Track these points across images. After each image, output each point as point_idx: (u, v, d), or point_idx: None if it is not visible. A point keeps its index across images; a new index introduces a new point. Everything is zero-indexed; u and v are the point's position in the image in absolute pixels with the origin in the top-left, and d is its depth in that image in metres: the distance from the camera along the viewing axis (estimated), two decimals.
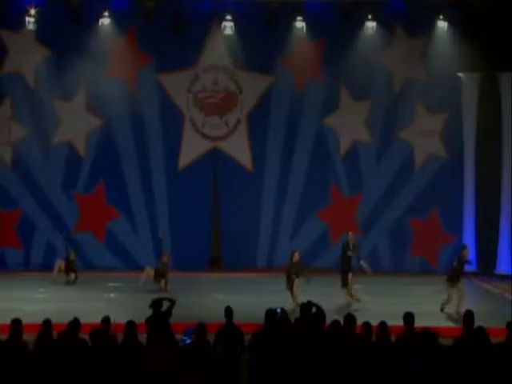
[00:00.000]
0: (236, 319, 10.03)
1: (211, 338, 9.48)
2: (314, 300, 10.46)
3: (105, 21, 19.82)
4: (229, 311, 10.06)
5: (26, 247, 20.49)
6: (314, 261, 19.95)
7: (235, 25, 19.80)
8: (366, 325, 9.15)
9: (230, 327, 9.88)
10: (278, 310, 10.04)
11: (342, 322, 9.36)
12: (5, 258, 20.51)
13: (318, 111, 20.54)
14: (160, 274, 17.00)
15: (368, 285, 18.32)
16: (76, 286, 18.12)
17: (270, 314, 9.72)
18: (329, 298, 15.87)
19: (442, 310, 15.23)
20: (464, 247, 16.15)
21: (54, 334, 9.34)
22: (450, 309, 15.15)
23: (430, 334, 8.95)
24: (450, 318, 13.84)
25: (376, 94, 20.39)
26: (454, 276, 15.49)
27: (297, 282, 15.63)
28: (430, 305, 15.51)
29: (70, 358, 8.65)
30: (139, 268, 19.86)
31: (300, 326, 9.83)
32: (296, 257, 15.92)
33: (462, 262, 15.58)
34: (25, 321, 9.38)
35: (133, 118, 20.41)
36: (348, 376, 8.52)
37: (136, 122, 20.42)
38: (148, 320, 10.46)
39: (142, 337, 9.68)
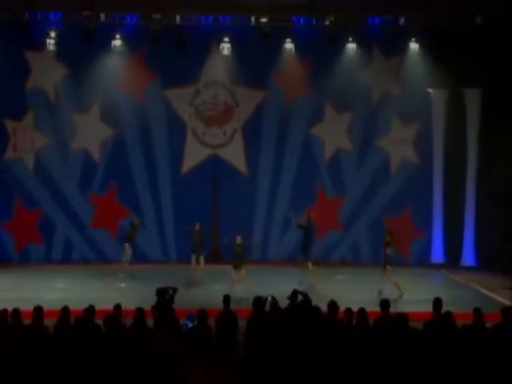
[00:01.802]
0: (231, 306, 10.05)
1: (211, 322, 9.50)
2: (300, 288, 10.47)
3: (117, 42, 19.79)
4: (227, 298, 10.07)
5: (47, 243, 20.43)
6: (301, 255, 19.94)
7: (232, 46, 19.78)
8: (348, 310, 9.17)
9: (227, 313, 9.89)
10: (269, 298, 10.00)
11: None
12: (28, 253, 20.44)
13: (305, 122, 20.54)
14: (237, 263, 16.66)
15: (349, 275, 18.40)
16: (92, 276, 18.06)
17: (259, 301, 9.71)
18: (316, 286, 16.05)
19: (400, 296, 15.20)
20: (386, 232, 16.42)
21: (72, 319, 9.35)
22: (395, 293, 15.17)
23: (402, 317, 8.99)
24: (420, 303, 13.85)
25: (356, 107, 20.39)
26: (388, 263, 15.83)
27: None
28: (403, 293, 15.51)
29: (85, 340, 8.66)
30: (147, 260, 19.93)
31: (289, 313, 9.83)
32: None
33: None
34: (46, 308, 9.41)
35: (141, 127, 20.38)
36: (330, 356, 8.53)
37: (144, 132, 20.39)
38: (154, 307, 10.46)
39: (150, 322, 9.70)
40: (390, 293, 14.89)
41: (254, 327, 9.17)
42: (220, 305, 10.10)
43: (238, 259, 16.08)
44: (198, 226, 17.28)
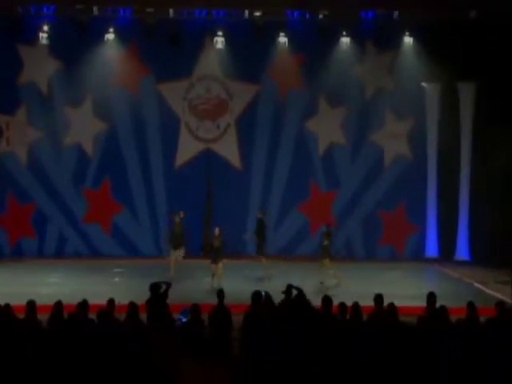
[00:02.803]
0: (225, 301, 10.04)
1: (205, 317, 9.49)
2: (295, 283, 10.48)
3: (110, 36, 19.72)
4: (221, 294, 10.06)
5: (40, 237, 20.39)
6: (295, 249, 20.03)
7: (226, 40, 19.73)
8: (341, 305, 9.18)
9: (221, 308, 9.88)
10: (263, 294, 9.99)
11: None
12: (21, 247, 20.41)
13: (299, 116, 20.52)
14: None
15: (343, 270, 18.37)
16: (85, 271, 18.03)
17: (257, 295, 9.71)
18: (309, 281, 16.04)
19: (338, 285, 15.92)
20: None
21: (65, 314, 9.33)
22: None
23: (392, 308, 9.04)
24: (415, 298, 13.87)
25: (350, 102, 20.38)
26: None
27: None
28: (397, 287, 15.56)
29: (79, 335, 8.64)
30: (141, 255, 19.92)
31: (284, 308, 9.83)
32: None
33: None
34: (39, 302, 9.38)
35: (135, 122, 20.33)
36: (326, 349, 8.54)
37: (137, 126, 20.34)
38: (148, 301, 10.45)
39: (143, 317, 9.68)
40: (331, 283, 15.84)
41: (251, 322, 9.15)
42: (214, 300, 10.08)
43: (216, 253, 16.04)
44: (177, 218, 17.15)
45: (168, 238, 17.44)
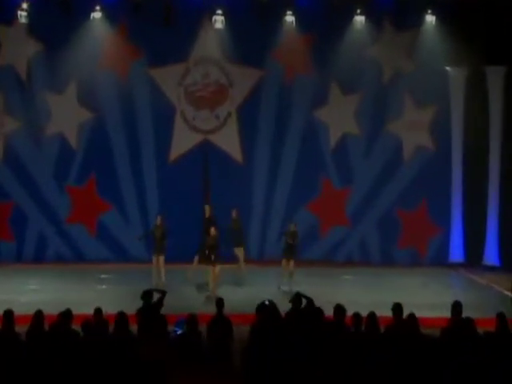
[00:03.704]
0: (226, 310, 10.04)
1: (202, 329, 9.48)
2: (304, 291, 10.48)
3: (96, 15, 19.67)
4: (220, 303, 10.05)
5: (19, 239, 20.39)
6: (303, 252, 19.94)
7: (226, 19, 19.69)
8: (356, 316, 9.16)
9: (220, 319, 9.87)
10: (266, 303, 10.00)
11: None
12: None
13: (307, 104, 20.48)
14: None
15: (357, 276, 18.41)
16: (68, 277, 18.04)
17: (262, 307, 9.71)
18: (319, 288, 16.04)
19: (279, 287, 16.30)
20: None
21: (46, 324, 9.31)
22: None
23: (412, 319, 9.03)
24: (438, 308, 13.86)
25: (365, 88, 20.34)
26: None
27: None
28: (418, 296, 15.55)
29: (61, 348, 8.62)
30: (130, 260, 19.92)
31: (291, 319, 9.82)
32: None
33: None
34: (17, 312, 9.37)
35: (124, 110, 20.30)
36: (338, 366, 8.52)
37: (127, 115, 20.32)
38: (139, 311, 10.43)
39: (133, 328, 9.67)
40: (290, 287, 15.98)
41: (257, 336, 9.14)
42: (213, 309, 10.07)
43: (213, 254, 16.11)
44: (159, 220, 17.24)
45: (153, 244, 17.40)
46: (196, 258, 17.31)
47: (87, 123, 20.39)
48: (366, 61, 20.20)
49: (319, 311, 9.51)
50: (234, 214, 17.74)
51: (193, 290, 16.73)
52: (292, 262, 16.70)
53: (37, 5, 19.36)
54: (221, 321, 9.83)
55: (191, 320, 9.29)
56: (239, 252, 17.50)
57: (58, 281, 17.68)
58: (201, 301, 15.23)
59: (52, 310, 10.16)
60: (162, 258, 16.96)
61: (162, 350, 8.84)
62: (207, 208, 17.76)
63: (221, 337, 9.55)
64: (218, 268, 16.09)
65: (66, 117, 20.25)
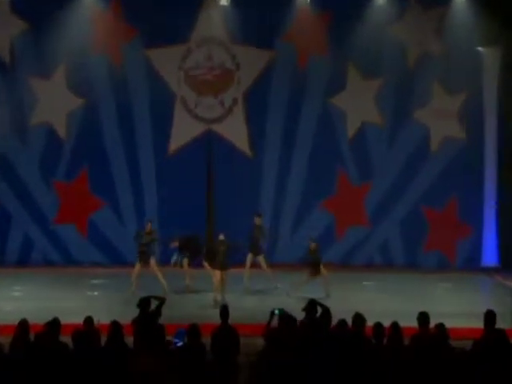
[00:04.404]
0: (230, 319, 10.04)
1: (205, 341, 9.48)
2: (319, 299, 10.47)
3: None
4: (224, 311, 10.05)
5: (1, 241, 20.46)
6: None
7: None
8: (377, 326, 9.15)
9: (225, 329, 9.87)
10: (276, 312, 10.03)
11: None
12: None
13: (322, 90, 20.49)
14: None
15: (378, 282, 18.39)
16: (56, 283, 18.08)
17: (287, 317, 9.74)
18: (336, 295, 16.05)
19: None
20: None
21: (32, 335, 9.33)
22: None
23: (440, 330, 9.00)
24: (468, 317, 13.84)
25: (387, 71, 20.33)
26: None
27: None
28: (447, 304, 15.53)
29: (48, 362, 8.63)
30: (125, 263, 19.91)
31: (305, 329, 9.82)
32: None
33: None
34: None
35: (118, 97, 20.34)
36: (357, 382, 8.52)
37: (122, 102, 20.34)
38: (135, 321, 10.44)
39: (129, 340, 9.68)
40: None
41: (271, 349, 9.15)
42: (217, 318, 10.08)
43: (223, 260, 16.29)
44: (149, 227, 17.27)
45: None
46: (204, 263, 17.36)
47: (77, 111, 20.43)
48: (389, 41, 20.21)
49: (343, 322, 9.49)
50: (257, 220, 17.73)
51: (195, 297, 16.72)
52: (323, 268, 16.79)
53: None
54: (226, 331, 9.82)
55: (193, 331, 9.28)
56: (261, 261, 17.56)
57: (45, 287, 17.71)
58: (203, 309, 15.22)
59: (38, 319, 10.16)
60: (153, 262, 16.90)
61: (160, 364, 8.83)
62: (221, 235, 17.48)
63: (226, 349, 9.55)
64: (226, 274, 16.15)
65: (53, 104, 20.30)
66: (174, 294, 16.56)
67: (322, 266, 16.77)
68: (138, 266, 16.99)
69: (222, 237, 16.50)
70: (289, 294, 16.40)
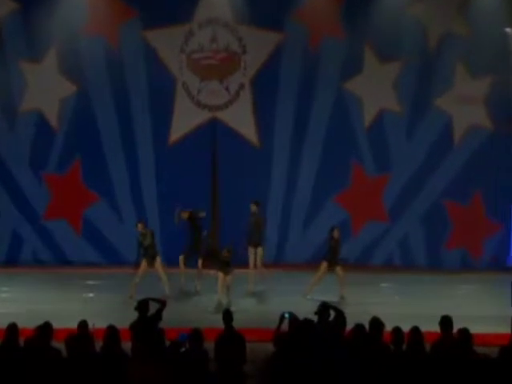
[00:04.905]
0: (236, 324, 10.05)
1: (209, 346, 9.50)
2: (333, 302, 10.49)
3: None
4: (227, 316, 10.07)
5: None
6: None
7: None
8: (396, 331, 9.15)
9: (229, 334, 9.88)
10: (286, 315, 10.07)
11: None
12: None
13: (336, 75, 20.49)
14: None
15: (397, 283, 18.38)
16: (48, 284, 18.12)
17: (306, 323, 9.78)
18: (351, 298, 16.06)
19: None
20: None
21: (21, 340, 9.35)
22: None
23: (464, 335, 9.00)
24: (495, 322, 13.83)
25: (407, 54, 20.32)
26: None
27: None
28: (471, 307, 15.51)
29: (39, 368, 8.65)
30: (123, 263, 19.95)
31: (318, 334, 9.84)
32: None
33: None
34: None
35: (114, 83, 20.35)
36: None
37: (118, 88, 20.36)
38: (133, 325, 10.45)
39: (126, 345, 9.70)
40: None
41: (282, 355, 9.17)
42: (221, 323, 10.10)
43: (227, 263, 16.33)
44: (141, 227, 17.14)
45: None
46: (200, 262, 17.41)
47: (70, 98, 20.45)
48: (408, 21, 20.20)
49: (360, 327, 9.50)
50: (252, 207, 17.72)
51: (198, 299, 16.77)
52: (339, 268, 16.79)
53: None
54: (231, 337, 9.83)
55: (195, 336, 9.29)
56: (258, 253, 17.52)
57: (36, 288, 17.73)
58: (207, 312, 15.25)
59: (28, 323, 10.19)
60: (158, 262, 16.90)
61: (160, 371, 8.84)
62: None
63: (231, 357, 9.56)
64: (230, 276, 16.27)
65: (44, 90, 20.33)
66: (177, 296, 16.59)
67: (338, 266, 16.76)
68: (143, 264, 16.96)
69: (225, 252, 16.54)
70: (305, 296, 16.42)
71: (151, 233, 17.14)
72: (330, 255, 16.80)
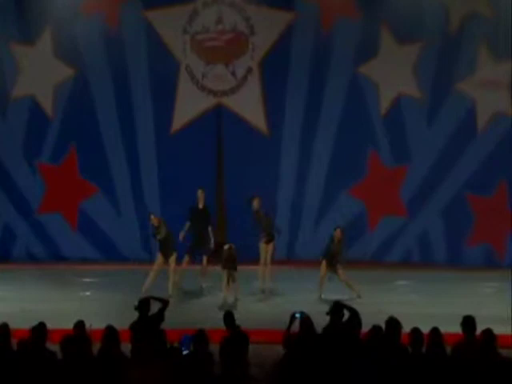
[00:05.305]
0: (244, 324, 10.07)
1: (214, 349, 9.52)
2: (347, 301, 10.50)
3: None
4: (228, 318, 10.10)
5: None
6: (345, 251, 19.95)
7: None
8: (415, 332, 9.15)
9: (235, 335, 9.90)
10: (297, 315, 10.09)
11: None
12: None
13: (351, 58, 20.48)
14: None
15: (416, 281, 18.38)
16: (42, 282, 18.17)
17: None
18: (367, 297, 16.07)
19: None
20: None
21: (14, 342, 9.37)
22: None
23: (488, 337, 8.99)
24: None
25: (427, 35, 20.29)
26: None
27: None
28: (495, 307, 15.49)
29: (33, 372, 8.67)
30: (122, 260, 20.00)
31: (330, 337, 9.86)
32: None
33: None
34: None
35: (113, 66, 20.39)
36: None
37: (118, 72, 20.40)
38: (133, 326, 10.47)
39: (126, 347, 9.72)
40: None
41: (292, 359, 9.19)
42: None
43: (231, 261, 16.38)
44: (154, 219, 17.06)
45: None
46: (204, 259, 17.45)
47: (66, 83, 20.49)
48: (429, 0, 20.11)
49: (378, 329, 9.51)
50: (254, 204, 17.47)
51: (202, 298, 16.80)
52: (340, 270, 16.77)
53: None
54: (235, 339, 9.85)
55: (199, 337, 9.30)
56: (269, 248, 17.53)
57: (29, 286, 17.76)
58: (212, 312, 15.26)
59: (21, 323, 10.22)
60: (173, 259, 16.87)
61: (162, 375, 8.86)
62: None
63: (234, 360, 9.57)
64: (235, 275, 16.32)
65: (38, 74, 20.37)
66: (181, 294, 16.64)
67: (340, 267, 16.74)
68: (160, 259, 16.98)
69: (226, 247, 16.60)
70: (321, 297, 16.46)
71: (165, 224, 17.00)
72: (329, 256, 16.78)
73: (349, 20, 20.37)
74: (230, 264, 16.29)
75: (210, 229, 17.45)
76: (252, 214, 17.48)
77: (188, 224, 17.43)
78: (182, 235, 17.21)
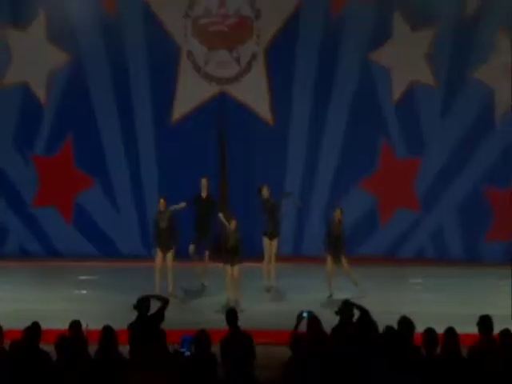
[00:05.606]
0: (248, 325, 10.08)
1: (216, 350, 9.53)
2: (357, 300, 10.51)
3: None
4: (231, 315, 10.10)
5: None
6: (357, 246, 19.96)
7: None
8: (428, 332, 9.15)
9: (237, 335, 9.91)
10: (305, 315, 10.08)
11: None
12: None
13: (362, 43, 20.45)
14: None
15: (430, 279, 18.37)
16: (36, 279, 18.20)
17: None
18: (378, 295, 16.07)
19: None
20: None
21: (7, 343, 9.39)
22: None
23: (506, 338, 9.00)
24: None
25: (442, 20, 20.26)
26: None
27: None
28: None
29: (27, 374, 8.68)
30: (119, 256, 20.01)
31: (339, 338, 9.86)
32: None
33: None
34: None
35: (110, 52, 20.36)
36: None
37: (115, 58, 20.37)
38: (132, 326, 10.49)
39: (124, 348, 9.73)
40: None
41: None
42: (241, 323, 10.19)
43: (233, 252, 16.35)
44: (163, 204, 17.09)
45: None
46: (206, 255, 17.49)
47: (61, 69, 20.48)
48: None
49: (391, 330, 9.52)
50: (264, 193, 17.64)
51: (204, 297, 16.83)
52: (344, 260, 16.73)
53: None
54: (237, 338, 9.86)
55: (201, 338, 9.30)
56: (273, 244, 17.54)
57: (23, 284, 17.83)
58: (215, 312, 15.30)
59: (14, 323, 10.25)
60: (170, 255, 16.88)
61: (162, 377, 8.88)
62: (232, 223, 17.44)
63: (238, 361, 9.59)
64: (237, 269, 16.29)
65: (31, 60, 20.35)
66: (182, 294, 16.67)
67: (344, 260, 16.75)
68: (159, 255, 16.99)
69: (233, 225, 16.52)
70: (331, 295, 16.48)
71: (170, 215, 17.02)
72: (331, 244, 16.76)
73: (360, 3, 20.33)
74: (234, 255, 16.24)
75: (220, 215, 17.34)
76: (261, 203, 17.53)
77: (183, 204, 17.42)
78: (173, 207, 17.19)
